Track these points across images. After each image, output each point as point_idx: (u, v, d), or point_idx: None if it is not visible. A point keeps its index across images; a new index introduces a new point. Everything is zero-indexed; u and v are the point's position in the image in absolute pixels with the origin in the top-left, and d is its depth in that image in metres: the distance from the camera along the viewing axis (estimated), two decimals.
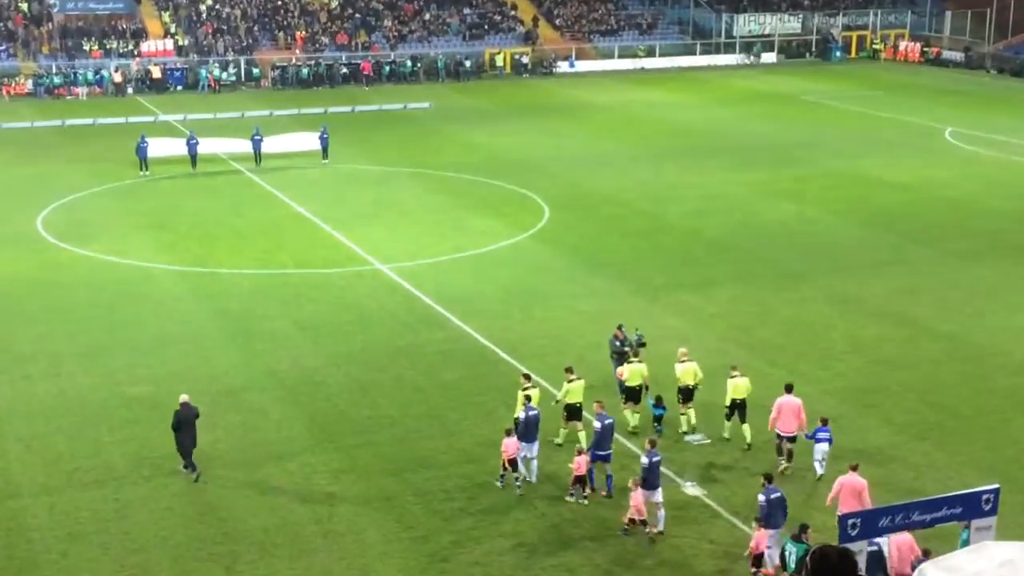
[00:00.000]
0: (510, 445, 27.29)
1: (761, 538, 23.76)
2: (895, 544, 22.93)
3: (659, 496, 25.29)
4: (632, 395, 30.51)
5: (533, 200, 55.50)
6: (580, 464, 26.38)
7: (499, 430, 28.88)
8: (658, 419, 30.19)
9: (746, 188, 58.43)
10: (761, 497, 24.35)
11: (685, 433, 30.21)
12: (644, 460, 25.63)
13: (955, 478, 27.59)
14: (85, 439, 29.85)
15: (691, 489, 27.29)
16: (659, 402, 30.24)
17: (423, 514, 26.21)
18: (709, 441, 29.07)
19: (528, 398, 28.21)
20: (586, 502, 26.51)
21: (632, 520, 25.02)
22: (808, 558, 7.41)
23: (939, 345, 36.90)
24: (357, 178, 61.47)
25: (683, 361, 30.67)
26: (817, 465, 28.31)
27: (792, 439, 28.54)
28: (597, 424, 27.27)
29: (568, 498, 26.61)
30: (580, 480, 26.43)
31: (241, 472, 28.20)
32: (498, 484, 27.20)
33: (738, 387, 29.99)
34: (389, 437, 30.13)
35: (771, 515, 24.03)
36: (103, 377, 33.93)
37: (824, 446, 28.35)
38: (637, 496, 25.02)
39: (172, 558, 24.28)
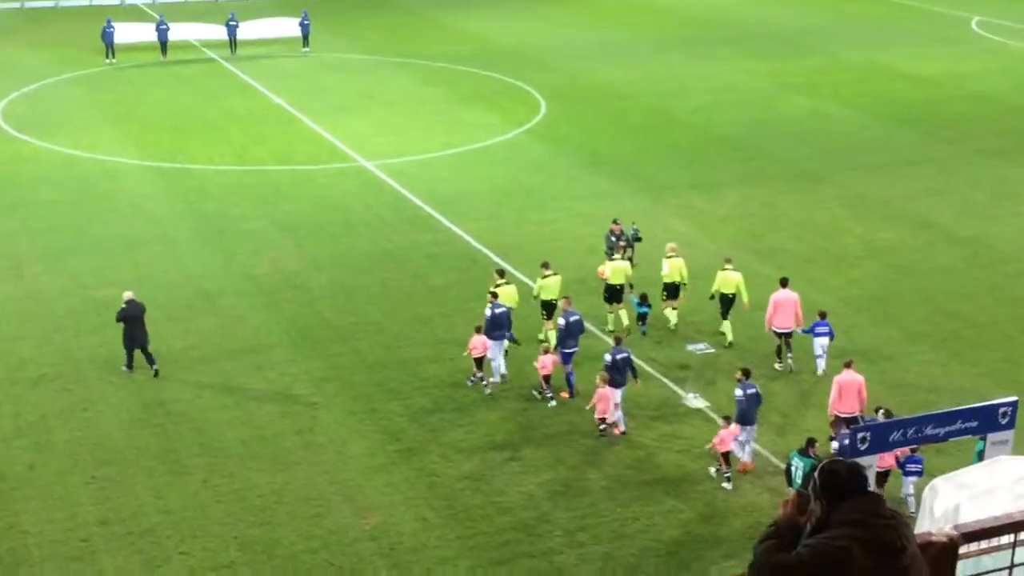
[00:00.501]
0: (477, 343, 28.07)
1: (728, 436, 24.53)
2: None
3: (618, 396, 26.27)
4: (614, 294, 31.05)
5: (529, 93, 55.20)
6: (545, 363, 27.20)
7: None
8: (642, 318, 30.91)
9: (758, 81, 58.09)
10: (739, 392, 25.05)
11: (673, 330, 30.95)
12: (607, 358, 26.48)
13: (971, 390, 27.96)
14: (52, 344, 30.09)
15: (694, 401, 27.64)
16: (644, 300, 30.88)
17: (410, 426, 26.58)
18: (713, 350, 29.34)
19: (494, 295, 28.74)
20: (553, 403, 27.30)
21: (602, 420, 25.88)
22: (816, 473, 7.58)
23: (959, 251, 37.09)
24: (341, 68, 61.02)
25: (670, 257, 31.26)
26: (820, 361, 29.03)
27: (788, 335, 29.21)
28: (561, 321, 28.06)
29: (535, 393, 27.64)
30: (547, 379, 27.29)
31: (218, 381, 28.51)
32: (468, 383, 28.11)
33: (727, 280, 30.51)
34: (374, 344, 30.40)
35: (748, 411, 24.82)
36: (69, 279, 34.09)
37: (824, 340, 29.00)
38: (602, 394, 25.84)
39: (145, 471, 24.64)
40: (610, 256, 32.63)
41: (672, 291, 31.05)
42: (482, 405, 27.46)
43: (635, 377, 26.67)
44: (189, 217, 39.36)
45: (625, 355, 26.42)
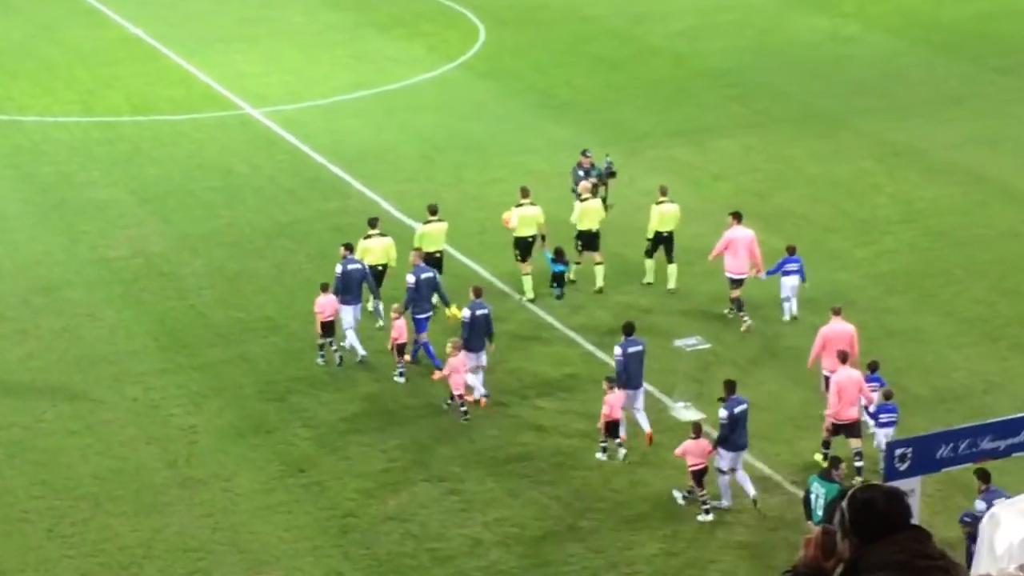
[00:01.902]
0: (324, 305, 29.18)
1: (615, 402, 25.65)
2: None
3: (483, 359, 27.94)
4: (525, 249, 32.03)
5: (464, 16, 55.07)
6: (399, 329, 28.65)
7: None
8: (557, 278, 31.83)
9: None
10: (618, 350, 26.55)
11: (650, 285, 32.42)
12: (465, 313, 27.95)
13: None
14: None
15: (684, 412, 27.75)
16: (559, 256, 31.78)
17: (317, 452, 26.52)
18: (708, 346, 29.49)
19: (349, 248, 29.92)
20: (402, 378, 28.84)
21: (460, 396, 27.37)
22: (844, 503, 7.60)
23: (1020, 212, 37.49)
24: None
25: (585, 199, 32.53)
26: (786, 305, 30.65)
27: (740, 282, 30.69)
28: (411, 278, 29.25)
29: (398, 379, 28.94)
30: (400, 348, 28.76)
31: (64, 400, 28.29)
32: (319, 361, 29.36)
33: (665, 216, 32.14)
34: (269, 348, 30.29)
35: (627, 374, 26.24)
36: None
37: (794, 280, 30.56)
38: (453, 363, 27.33)
39: None
40: (578, 195, 33.34)
41: (589, 241, 32.45)
42: (410, 423, 27.44)
43: (491, 340, 28.28)
44: (20, 185, 38.94)
45: (485, 312, 28.04)
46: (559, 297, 32.05)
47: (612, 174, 34.70)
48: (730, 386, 25.40)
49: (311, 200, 37.48)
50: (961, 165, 40.49)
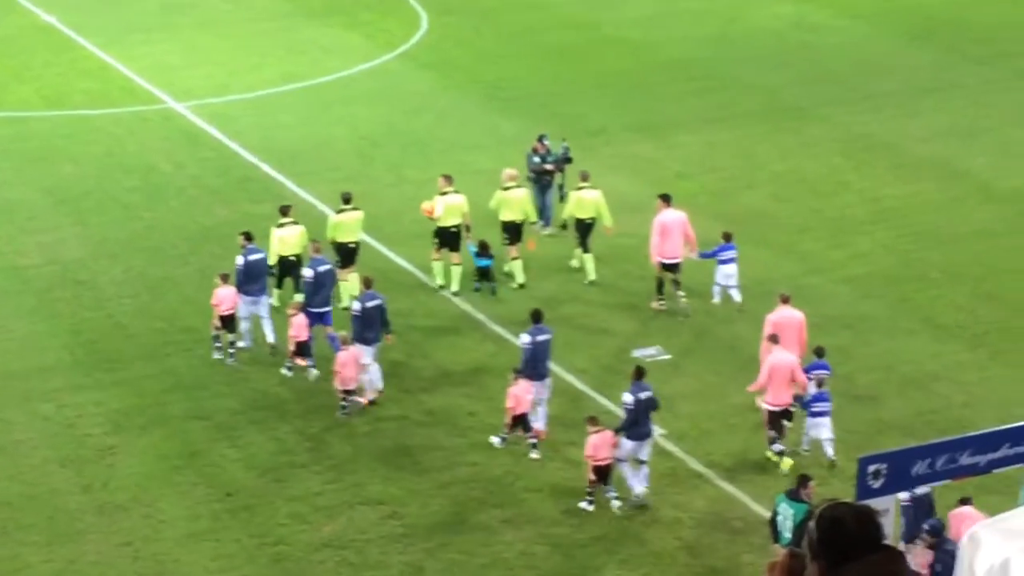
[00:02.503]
0: (223, 297, 29.72)
1: (521, 393, 26.37)
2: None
3: (368, 356, 28.38)
4: (447, 240, 32.57)
5: (404, 2, 55.01)
6: (298, 327, 29.23)
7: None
8: (482, 273, 32.59)
9: None
10: (526, 338, 27.26)
11: (584, 275, 32.98)
12: (355, 306, 28.62)
13: (1021, 402, 28.33)
14: None
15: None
16: (484, 250, 32.50)
17: (246, 474, 26.40)
18: (669, 356, 29.50)
19: (248, 237, 30.59)
20: (316, 371, 29.18)
21: (345, 391, 27.98)
22: (813, 523, 7.58)
23: (998, 209, 37.75)
24: None
25: (508, 188, 33.22)
26: (716, 289, 31.85)
27: (676, 266, 31.57)
28: (308, 272, 29.73)
29: (284, 371, 29.53)
30: (300, 347, 29.37)
31: None
32: (215, 356, 29.96)
33: (583, 203, 33.17)
34: (194, 361, 30.16)
35: (532, 362, 26.93)
36: None
37: (731, 268, 31.59)
38: (344, 359, 27.88)
39: None
40: (534, 182, 34.75)
41: (514, 233, 33.01)
42: (348, 442, 27.34)
43: (388, 331, 28.85)
44: None
45: (378, 303, 28.54)
46: (492, 292, 32.67)
47: (568, 160, 35.53)
48: (638, 372, 26.02)
49: (239, 201, 37.28)
50: (936, 160, 40.72)
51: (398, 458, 26.91)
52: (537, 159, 35.32)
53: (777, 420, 26.57)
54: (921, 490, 23.21)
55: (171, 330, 31.32)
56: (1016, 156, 41.01)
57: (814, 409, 26.62)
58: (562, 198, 35.21)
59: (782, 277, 33.23)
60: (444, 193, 32.75)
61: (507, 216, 33.08)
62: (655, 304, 32.05)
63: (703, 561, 24.39)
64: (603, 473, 25.33)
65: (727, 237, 32.05)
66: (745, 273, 32.26)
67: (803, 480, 23.30)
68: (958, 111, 44.36)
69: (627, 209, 34.82)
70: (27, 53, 49.03)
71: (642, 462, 25.74)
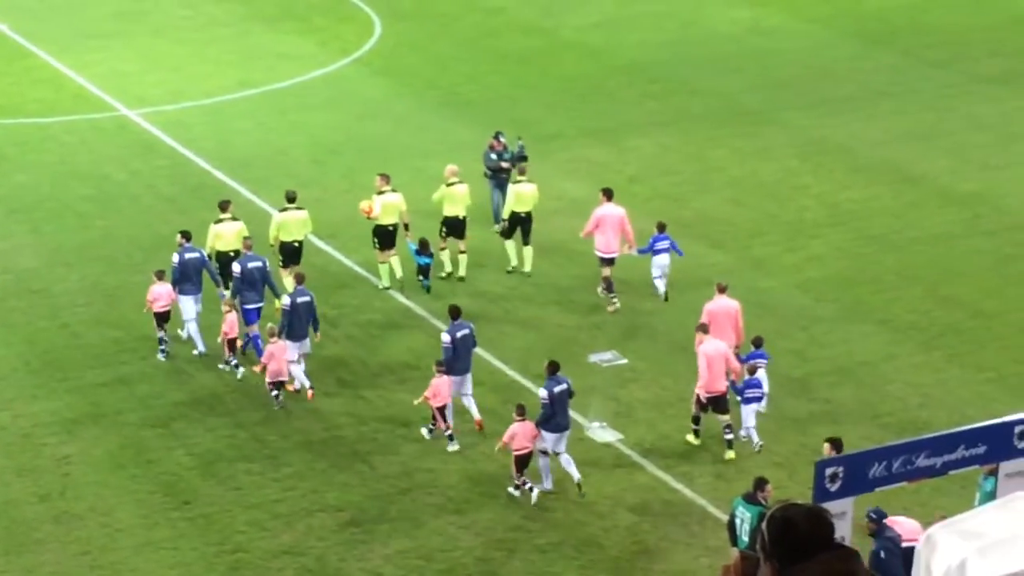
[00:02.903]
0: (160, 294, 30.32)
1: (442, 385, 27.18)
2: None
3: (307, 347, 29.35)
4: (385, 238, 33.25)
5: (358, 8, 55.00)
6: (230, 324, 29.79)
7: (319, 353, 29.53)
8: (423, 271, 33.16)
9: None
10: (446, 336, 27.80)
11: (515, 269, 33.93)
12: (285, 301, 29.28)
13: (976, 403, 28.67)
14: None
15: (600, 432, 27.88)
16: (424, 248, 33.06)
17: (203, 482, 26.42)
18: (625, 361, 29.65)
19: (186, 236, 31.06)
20: (240, 370, 29.79)
21: (275, 383, 28.53)
22: (764, 524, 7.68)
23: (955, 212, 38.03)
24: None
25: (452, 184, 33.92)
26: (658, 283, 32.73)
27: (611, 261, 32.29)
28: (236, 267, 30.29)
29: (221, 366, 30.08)
30: (231, 343, 29.96)
31: None
32: (160, 357, 30.39)
33: (522, 196, 33.99)
34: (149, 369, 30.17)
35: (455, 359, 27.42)
36: None
37: (664, 258, 32.52)
38: (271, 352, 28.44)
39: None
40: (491, 180, 35.89)
41: (454, 228, 33.71)
42: (305, 448, 27.37)
43: (316, 329, 29.48)
44: None
45: (308, 299, 29.14)
46: (427, 289, 33.12)
47: (523, 158, 36.04)
48: (552, 366, 26.49)
49: (194, 209, 37.20)
50: (892, 164, 40.97)
51: (355, 464, 26.97)
52: (494, 156, 36.10)
53: (706, 407, 27.29)
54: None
55: (126, 339, 31.29)
56: (972, 160, 41.28)
57: (748, 395, 27.44)
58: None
59: (738, 282, 33.39)
60: (381, 192, 33.35)
61: (449, 211, 33.73)
62: (609, 307, 32.46)
63: (661, 566, 24.52)
64: (522, 462, 25.85)
65: (660, 227, 32.84)
66: (700, 276, 32.44)
67: (760, 483, 23.42)
68: (915, 115, 44.63)
69: (579, 214, 34.87)
70: None
71: (557, 453, 26.17)
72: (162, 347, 30.40)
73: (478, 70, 48.47)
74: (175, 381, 29.69)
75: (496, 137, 36.56)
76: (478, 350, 29.04)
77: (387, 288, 33.27)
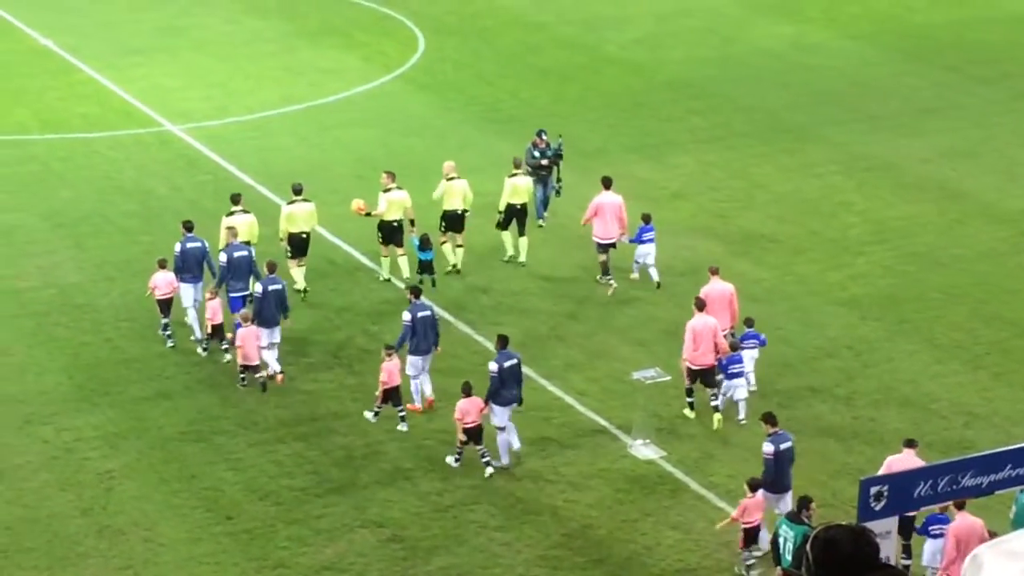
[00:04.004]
0: (160, 283, 31.41)
1: (394, 369, 28.17)
2: (691, 329, 28.28)
3: (277, 335, 30.34)
4: (389, 234, 34.37)
5: (401, 24, 55.15)
6: (213, 310, 30.96)
7: (366, 371, 29.54)
8: (425, 266, 34.02)
9: (721, 1, 58.59)
10: (407, 315, 28.91)
11: (512, 259, 35.38)
12: (257, 288, 30.43)
13: (1023, 423, 28.58)
14: None
15: (643, 450, 27.88)
16: (425, 243, 34.01)
17: (246, 498, 26.48)
18: (668, 378, 29.64)
19: (188, 227, 32.08)
20: (205, 353, 31.27)
21: (245, 367, 29.76)
22: (808, 545, 7.68)
23: (1000, 230, 37.90)
24: None
25: (451, 178, 34.96)
26: (635, 265, 34.25)
27: (610, 246, 33.94)
28: (223, 256, 31.37)
29: (200, 351, 31.48)
30: (216, 329, 31.13)
31: None
32: (168, 345, 31.46)
33: (518, 189, 35.21)
34: (192, 383, 30.28)
35: (415, 338, 28.69)
36: None
37: (649, 247, 33.99)
38: (243, 335, 29.64)
39: None
40: (536, 175, 36.69)
41: (453, 222, 34.78)
42: (346, 463, 27.41)
43: (285, 316, 30.67)
44: None
45: (279, 287, 30.45)
46: (433, 284, 33.88)
47: (559, 156, 37.33)
48: (502, 340, 27.91)
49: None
50: (937, 181, 40.85)
51: (397, 480, 27.00)
52: (537, 153, 37.15)
53: (695, 379, 28.67)
54: (785, 444, 25.15)
55: (169, 353, 31.42)
56: (1018, 177, 41.14)
57: (731, 371, 28.62)
58: (558, 192, 37.55)
59: (780, 299, 33.58)
60: (388, 190, 34.32)
61: (448, 205, 34.77)
62: (609, 292, 33.93)
63: None
64: (472, 434, 26.99)
65: (646, 219, 34.29)
66: (745, 293, 32.33)
67: (804, 502, 23.38)
68: (961, 132, 44.49)
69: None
70: (25, 76, 49.13)
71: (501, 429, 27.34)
72: (166, 333, 31.55)
73: (521, 86, 48.54)
74: (217, 396, 29.80)
75: (538, 134, 37.71)
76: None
77: (388, 279, 34.33)
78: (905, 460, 24.41)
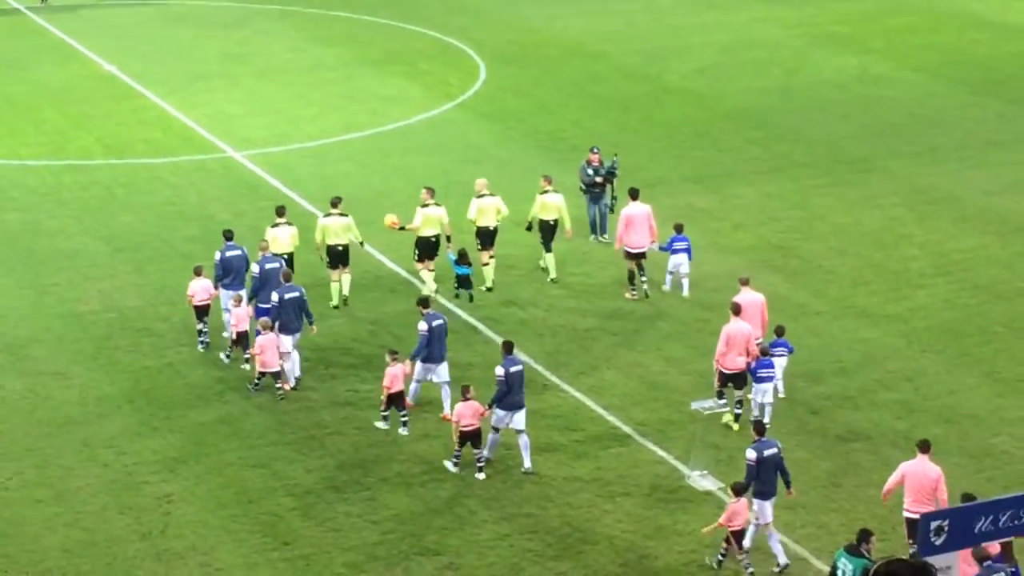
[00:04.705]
0: (197, 290, 32.24)
1: (398, 374, 28.83)
2: (725, 332, 29.22)
3: (290, 343, 31.06)
4: (427, 249, 35.05)
5: (463, 52, 55.35)
6: (239, 318, 31.53)
7: (430, 395, 29.60)
8: (462, 281, 34.70)
9: (784, 33, 58.63)
10: (423, 325, 29.44)
11: (547, 274, 36.16)
12: (274, 296, 30.83)
13: None
14: None
15: (701, 481, 27.79)
16: (463, 258, 34.68)
17: (303, 523, 26.51)
18: (725, 408, 29.55)
19: (227, 236, 33.07)
20: (227, 360, 32.15)
21: (263, 373, 30.61)
22: None
23: None
24: (196, 20, 60.88)
25: (482, 196, 35.78)
26: (668, 277, 35.05)
27: (641, 255, 34.83)
28: (255, 267, 32.17)
29: (222, 356, 32.24)
30: (240, 337, 31.72)
31: (29, 466, 28.29)
32: (200, 348, 32.61)
33: (547, 206, 36.12)
34: (252, 408, 30.37)
35: (429, 346, 29.36)
36: None
37: (683, 258, 34.80)
38: (263, 343, 30.35)
39: None
40: (586, 194, 37.66)
41: (487, 239, 35.67)
42: (403, 490, 27.40)
43: (310, 322, 31.46)
44: None
45: (296, 295, 31.06)
46: (470, 299, 34.68)
47: (613, 174, 38.00)
48: (507, 346, 28.57)
49: (298, 250, 37.52)
50: (1001, 213, 40.64)
51: (454, 508, 26.97)
52: (591, 171, 37.89)
53: (726, 382, 29.41)
54: (769, 451, 25.32)
55: (229, 378, 31.55)
56: None
57: (760, 375, 29.26)
58: (612, 209, 38.12)
59: (840, 331, 33.43)
60: (425, 205, 34.86)
61: (482, 222, 35.53)
62: (628, 295, 35.10)
63: None
64: (469, 437, 27.63)
65: (678, 229, 35.29)
66: (804, 325, 32.28)
67: (864, 535, 23.21)
68: (1022, 164, 44.22)
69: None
70: (89, 102, 49.62)
71: (519, 432, 27.92)
72: (201, 339, 32.60)
73: (581, 115, 48.62)
74: (276, 421, 29.88)
75: (592, 151, 38.38)
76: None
77: (436, 291, 34.81)
78: (919, 465, 24.86)
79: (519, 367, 28.10)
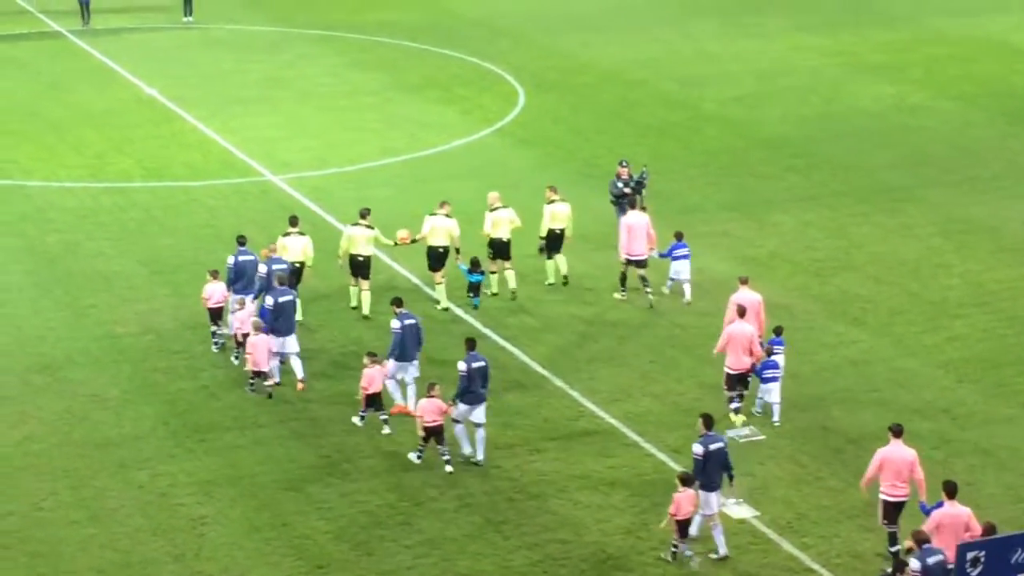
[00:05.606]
0: (213, 293, 33.26)
1: (376, 375, 29.70)
2: (728, 334, 30.10)
3: (292, 345, 32.05)
4: (435, 259, 35.75)
5: (501, 78, 55.44)
6: (242, 321, 32.33)
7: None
8: (474, 288, 35.44)
9: (822, 61, 58.52)
10: (396, 323, 30.28)
11: (552, 283, 36.50)
12: (268, 301, 31.80)
13: None
14: None
15: (736, 509, 27.66)
16: (475, 267, 35.55)
17: (337, 547, 26.49)
18: (763, 437, 29.43)
19: (241, 241, 34.10)
20: (236, 361, 33.22)
21: (256, 373, 31.50)
22: None
23: None
24: (237, 44, 61.13)
25: (495, 209, 36.62)
26: (669, 282, 35.98)
27: (642, 263, 35.68)
28: (262, 268, 33.21)
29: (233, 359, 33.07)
30: (245, 337, 32.28)
31: (65, 487, 28.34)
32: (214, 349, 33.65)
33: (556, 215, 37.03)
34: (286, 433, 30.40)
35: (401, 346, 30.42)
36: None
37: (684, 264, 35.64)
38: (254, 343, 31.30)
39: None
40: (616, 207, 38.75)
41: (500, 249, 36.46)
42: (436, 515, 27.37)
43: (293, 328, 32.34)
44: (23, 255, 39.32)
45: (289, 298, 32.02)
46: (475, 306, 35.66)
47: (641, 184, 38.82)
48: (470, 343, 29.48)
49: (335, 274, 37.61)
50: None
51: (487, 533, 26.92)
52: (620, 184, 38.72)
53: (734, 382, 30.24)
54: (715, 446, 25.90)
55: (264, 401, 31.59)
56: None
57: (765, 375, 30.26)
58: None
59: (878, 360, 33.27)
60: (434, 214, 35.91)
61: (495, 234, 36.42)
62: (617, 295, 36.28)
63: None
64: (433, 432, 28.40)
65: (679, 236, 36.34)
66: (842, 355, 32.16)
67: (899, 566, 23.09)
68: None
69: (720, 292, 34.72)
70: (129, 125, 49.86)
71: (478, 425, 28.84)
72: (215, 340, 33.59)
73: (619, 142, 48.61)
74: (311, 445, 29.88)
75: (621, 164, 39.27)
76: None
77: (446, 309, 35.62)
78: (895, 450, 25.59)
79: (481, 363, 29.01)
